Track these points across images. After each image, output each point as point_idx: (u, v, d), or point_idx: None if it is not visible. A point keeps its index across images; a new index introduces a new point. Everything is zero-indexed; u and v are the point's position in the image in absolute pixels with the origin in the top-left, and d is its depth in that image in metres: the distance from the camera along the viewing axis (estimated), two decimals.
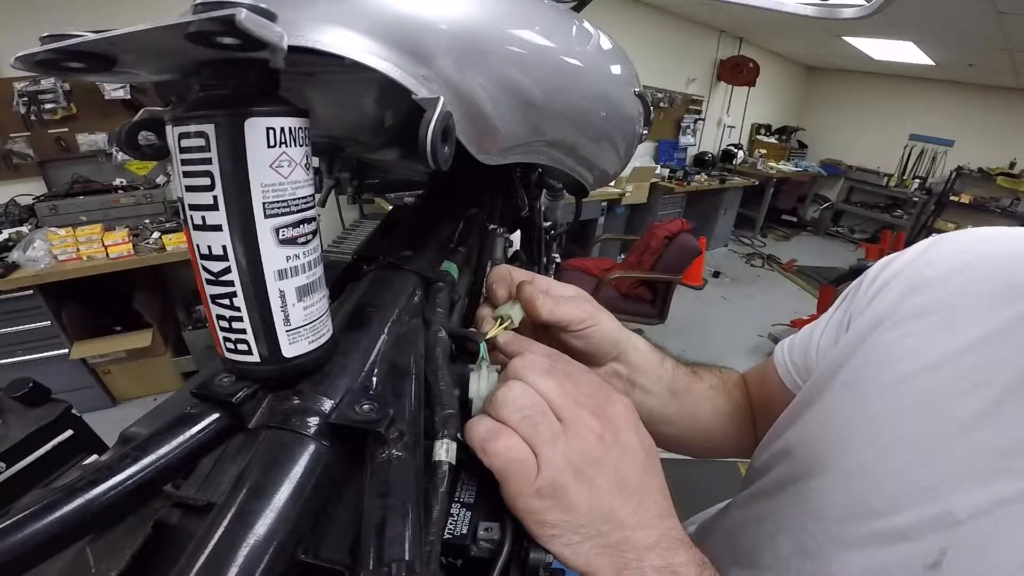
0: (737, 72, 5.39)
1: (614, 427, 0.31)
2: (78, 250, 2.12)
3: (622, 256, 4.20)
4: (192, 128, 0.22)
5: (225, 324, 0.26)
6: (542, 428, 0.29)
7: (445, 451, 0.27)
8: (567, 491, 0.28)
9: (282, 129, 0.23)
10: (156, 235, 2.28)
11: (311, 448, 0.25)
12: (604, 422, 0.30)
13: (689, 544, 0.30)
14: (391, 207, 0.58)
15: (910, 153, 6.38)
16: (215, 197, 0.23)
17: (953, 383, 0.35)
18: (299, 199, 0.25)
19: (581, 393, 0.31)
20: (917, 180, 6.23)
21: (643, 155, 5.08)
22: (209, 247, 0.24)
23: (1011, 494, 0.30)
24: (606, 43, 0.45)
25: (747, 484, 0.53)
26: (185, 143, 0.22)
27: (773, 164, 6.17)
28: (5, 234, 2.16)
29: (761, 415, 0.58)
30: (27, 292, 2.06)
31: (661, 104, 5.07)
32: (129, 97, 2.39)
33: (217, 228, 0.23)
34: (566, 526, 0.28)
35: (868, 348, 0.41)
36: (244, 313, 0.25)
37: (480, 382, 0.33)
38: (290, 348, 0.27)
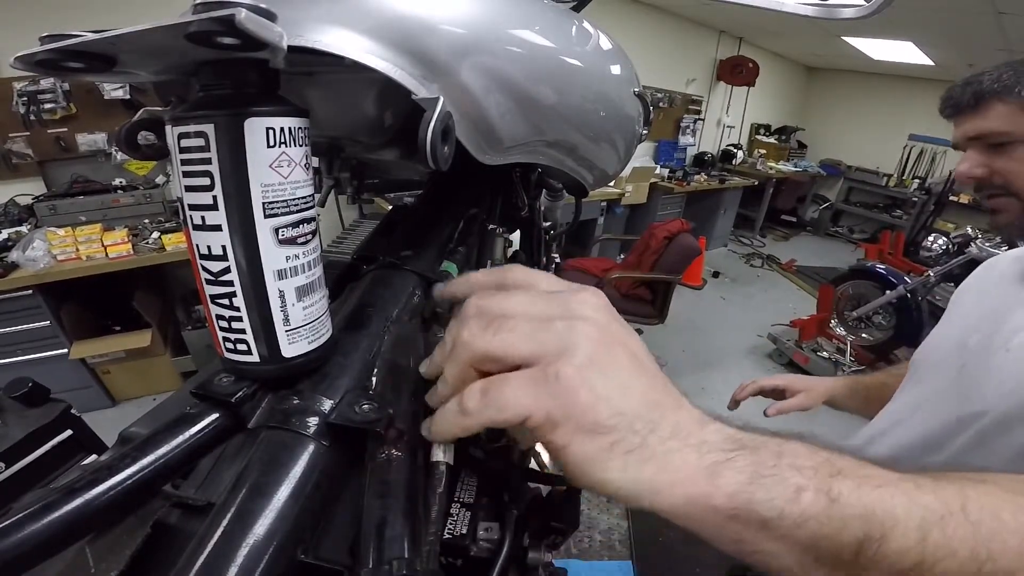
0: (737, 72, 5.39)
1: (596, 323, 0.25)
2: (77, 250, 2.11)
3: (622, 256, 4.19)
4: (192, 128, 0.22)
5: (225, 324, 0.26)
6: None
7: (443, 451, 0.27)
8: (593, 385, 0.23)
9: (282, 129, 0.23)
10: (155, 235, 2.28)
11: (311, 448, 0.25)
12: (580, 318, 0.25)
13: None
14: (391, 207, 0.58)
15: (909, 153, 6.37)
16: (215, 197, 0.23)
17: (983, 304, 0.72)
18: (299, 199, 0.25)
19: (540, 305, 0.26)
20: (916, 180, 6.23)
21: (643, 155, 5.07)
22: (209, 247, 0.24)
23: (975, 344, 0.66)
24: (606, 43, 0.45)
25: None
26: (185, 143, 0.22)
27: (773, 164, 6.16)
28: (4, 234, 2.16)
29: None
30: (26, 292, 2.06)
31: (660, 104, 5.07)
32: (129, 97, 2.38)
33: (217, 228, 0.23)
34: (622, 423, 0.23)
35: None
36: (244, 313, 0.25)
37: None
38: (290, 348, 0.27)
